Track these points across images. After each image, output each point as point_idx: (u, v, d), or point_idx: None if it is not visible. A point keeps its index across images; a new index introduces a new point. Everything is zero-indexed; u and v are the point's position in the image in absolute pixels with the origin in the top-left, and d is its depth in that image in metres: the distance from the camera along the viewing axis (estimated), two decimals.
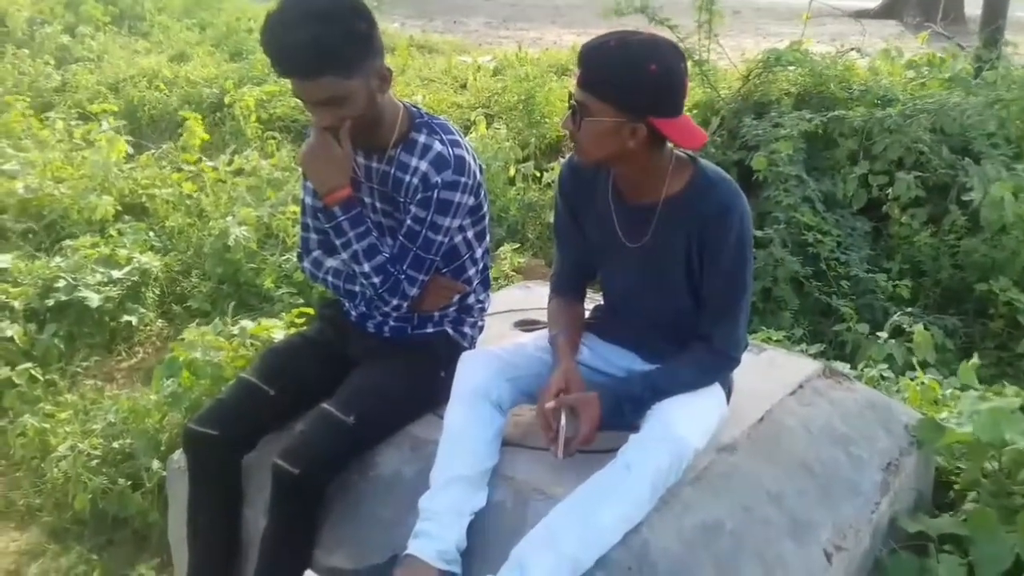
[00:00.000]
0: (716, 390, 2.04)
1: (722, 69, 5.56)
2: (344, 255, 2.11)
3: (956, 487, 2.43)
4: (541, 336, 2.17)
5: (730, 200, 1.91)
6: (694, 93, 5.35)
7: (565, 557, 1.74)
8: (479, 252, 2.25)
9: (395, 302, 2.11)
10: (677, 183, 1.94)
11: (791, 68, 4.83)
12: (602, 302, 2.28)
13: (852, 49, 5.19)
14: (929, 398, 2.72)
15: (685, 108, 1.90)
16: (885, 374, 2.93)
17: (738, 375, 2.39)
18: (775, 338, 3.25)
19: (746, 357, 2.49)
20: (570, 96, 1.87)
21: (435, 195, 2.03)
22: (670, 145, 1.92)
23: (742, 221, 1.91)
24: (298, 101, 6.84)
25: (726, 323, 1.98)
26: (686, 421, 1.87)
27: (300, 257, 2.34)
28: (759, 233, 3.89)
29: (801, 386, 2.39)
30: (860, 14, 11.31)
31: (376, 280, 2.08)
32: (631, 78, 1.77)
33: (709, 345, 1.98)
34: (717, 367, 2.03)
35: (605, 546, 1.78)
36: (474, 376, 2.01)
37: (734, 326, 1.99)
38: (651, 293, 2.07)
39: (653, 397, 1.92)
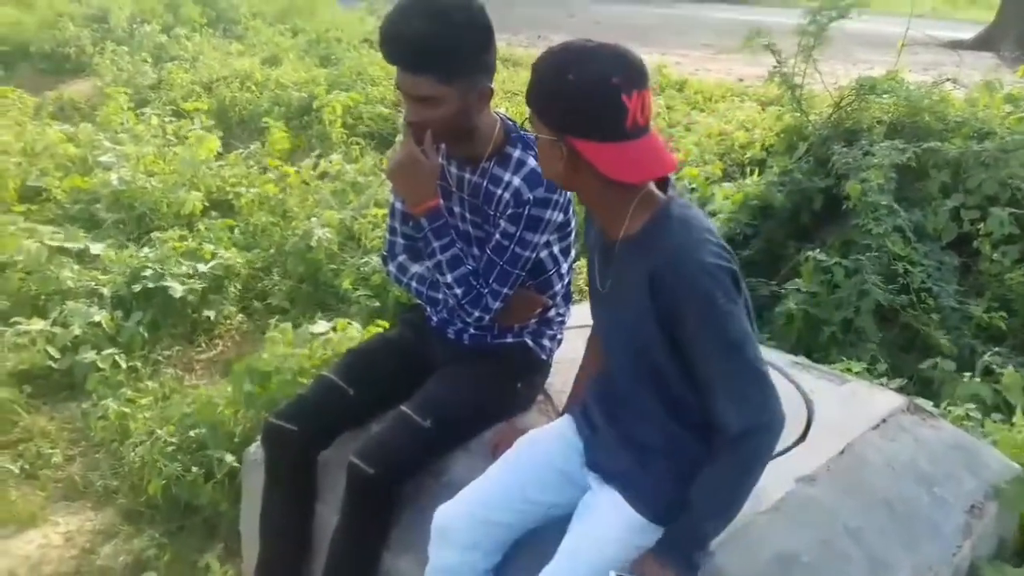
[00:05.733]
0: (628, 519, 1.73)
1: (813, 94, 5.47)
2: (429, 263, 2.13)
3: None
4: (524, 469, 1.90)
5: (683, 240, 1.58)
6: (783, 117, 5.27)
7: None
8: (564, 267, 2.25)
9: (477, 314, 2.11)
10: (638, 220, 1.64)
11: (885, 96, 4.72)
12: None
13: (948, 79, 5.06)
14: None
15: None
16: (973, 414, 2.83)
17: (819, 405, 2.35)
18: (855, 369, 3.17)
19: (827, 387, 2.48)
20: None
21: (526, 211, 2.03)
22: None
23: (701, 269, 1.55)
24: (383, 108, 6.96)
25: (728, 397, 1.59)
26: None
27: (385, 260, 2.36)
28: (845, 261, 3.80)
29: (884, 420, 2.32)
30: (955, 45, 11.01)
31: (458, 291, 2.09)
32: (547, 89, 1.57)
33: (725, 434, 1.60)
34: (751, 451, 1.62)
35: None
36: (453, 550, 1.86)
37: (741, 397, 1.59)
38: (619, 348, 1.79)
39: (717, 523, 1.67)
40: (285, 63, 8.52)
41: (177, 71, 8.16)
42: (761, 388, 1.59)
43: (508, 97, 7.56)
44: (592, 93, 1.52)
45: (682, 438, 1.70)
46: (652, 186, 1.66)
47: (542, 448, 1.92)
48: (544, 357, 2.31)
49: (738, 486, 1.64)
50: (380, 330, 3.42)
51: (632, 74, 1.53)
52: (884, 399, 2.47)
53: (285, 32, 10.21)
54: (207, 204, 5.32)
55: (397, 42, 1.93)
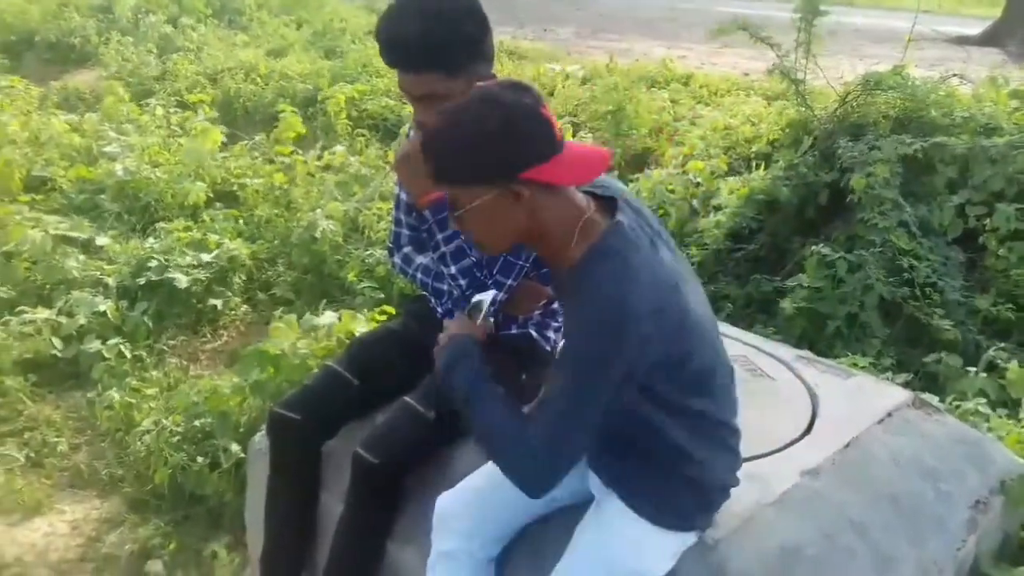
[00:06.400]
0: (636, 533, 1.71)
1: (818, 89, 5.46)
2: (433, 255, 2.13)
3: None
4: None
5: (597, 286, 1.54)
6: (787, 112, 5.26)
7: None
8: None
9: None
10: (580, 249, 1.59)
11: (891, 92, 4.71)
12: None
13: (954, 75, 5.04)
14: None
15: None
16: (982, 409, 2.82)
17: (824, 399, 2.35)
18: (860, 364, 3.17)
19: (832, 381, 2.48)
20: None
21: None
22: (579, 198, 1.61)
23: (598, 317, 1.52)
24: (388, 100, 6.95)
25: (542, 418, 1.59)
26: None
27: (391, 252, 2.36)
28: (849, 256, 3.79)
29: (890, 415, 2.32)
30: (961, 40, 10.97)
31: (463, 282, 2.09)
32: (475, 151, 1.51)
33: (529, 423, 1.62)
34: (517, 446, 1.61)
35: None
36: (452, 538, 1.87)
37: (542, 428, 1.58)
38: None
39: (475, 407, 1.68)
40: (290, 55, 8.52)
41: (182, 62, 8.15)
42: (550, 458, 1.58)
43: None
44: (520, 120, 1.50)
45: (657, 445, 1.69)
46: (592, 212, 1.61)
47: None
48: (549, 348, 2.31)
49: (494, 424, 1.64)
50: (383, 318, 3.44)
51: (533, 92, 1.55)
52: (889, 394, 2.47)
53: (290, 24, 10.19)
54: (212, 195, 5.31)
55: (396, 45, 1.92)
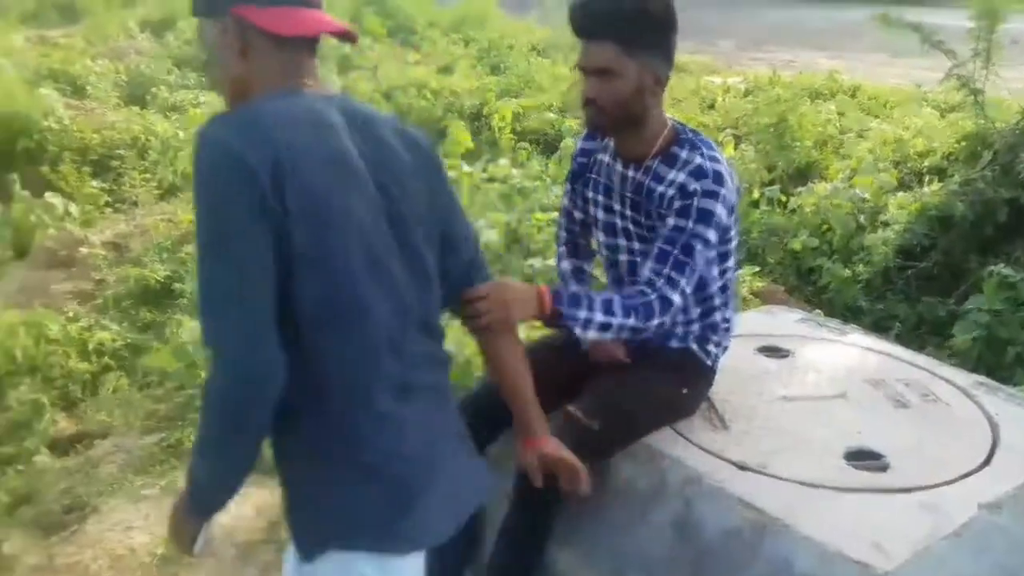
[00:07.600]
0: None
1: (998, 100, 5.19)
2: (598, 335, 2.06)
3: None
4: None
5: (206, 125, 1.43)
6: (964, 124, 5.03)
7: None
8: (717, 271, 2.22)
9: (656, 320, 2.03)
10: None
11: None
12: None
13: None
14: None
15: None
16: None
17: (1005, 429, 2.23)
18: None
19: (1015, 411, 2.35)
20: None
21: (695, 203, 2.01)
22: (304, 68, 1.54)
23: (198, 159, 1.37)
24: (549, 115, 7.05)
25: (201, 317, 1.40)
26: None
27: (560, 256, 2.49)
28: None
29: None
30: None
31: (631, 322, 2.01)
32: None
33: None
34: (206, 389, 1.45)
35: None
36: None
37: (203, 323, 1.38)
38: None
39: (196, 463, 1.54)
40: (458, 71, 8.81)
41: (360, 80, 8.59)
42: (211, 319, 1.37)
43: (673, 104, 7.54)
44: None
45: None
46: (313, 86, 1.55)
47: None
48: (709, 363, 2.31)
49: (201, 426, 1.45)
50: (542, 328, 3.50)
51: None
52: None
53: (458, 41, 10.54)
54: None
55: (582, 8, 2.00)
